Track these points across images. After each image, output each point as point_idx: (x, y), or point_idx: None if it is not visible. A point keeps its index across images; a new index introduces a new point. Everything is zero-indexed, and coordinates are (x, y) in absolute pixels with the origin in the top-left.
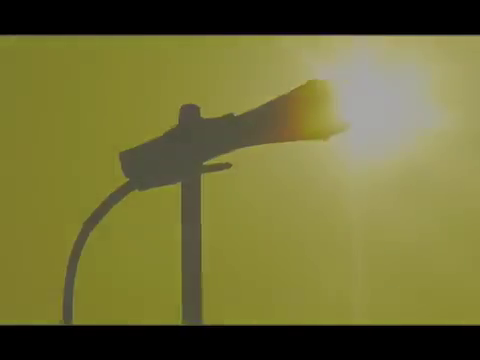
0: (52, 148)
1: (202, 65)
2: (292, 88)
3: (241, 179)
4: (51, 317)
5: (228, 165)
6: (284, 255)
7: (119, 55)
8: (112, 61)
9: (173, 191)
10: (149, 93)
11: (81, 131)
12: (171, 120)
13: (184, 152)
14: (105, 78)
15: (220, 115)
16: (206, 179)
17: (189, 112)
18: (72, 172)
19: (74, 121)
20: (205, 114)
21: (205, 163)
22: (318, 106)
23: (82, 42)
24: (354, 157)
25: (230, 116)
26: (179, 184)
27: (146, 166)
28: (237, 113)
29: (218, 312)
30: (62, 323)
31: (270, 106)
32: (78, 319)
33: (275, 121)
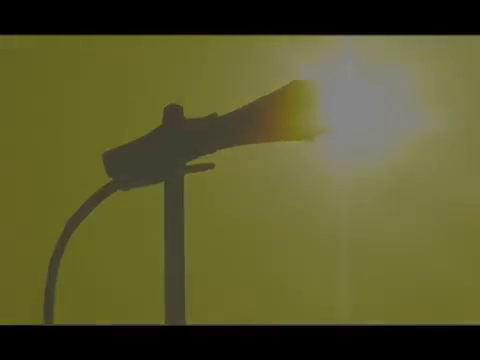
0: (35, 148)
1: (186, 66)
2: (276, 89)
3: (224, 179)
4: (33, 317)
5: (211, 165)
6: (268, 255)
7: (102, 56)
8: (95, 62)
9: (156, 191)
10: (133, 93)
11: (64, 131)
12: (155, 120)
13: (167, 152)
14: (88, 79)
15: (204, 115)
16: (189, 179)
17: (172, 112)
18: (55, 172)
19: (57, 121)
20: (188, 114)
21: (188, 163)
22: (303, 107)
23: (65, 43)
24: (341, 158)
25: (214, 116)
26: (162, 184)
27: (129, 166)
28: (221, 113)
29: (202, 312)
30: (44, 323)
31: (254, 106)
32: (60, 319)
33: (259, 122)
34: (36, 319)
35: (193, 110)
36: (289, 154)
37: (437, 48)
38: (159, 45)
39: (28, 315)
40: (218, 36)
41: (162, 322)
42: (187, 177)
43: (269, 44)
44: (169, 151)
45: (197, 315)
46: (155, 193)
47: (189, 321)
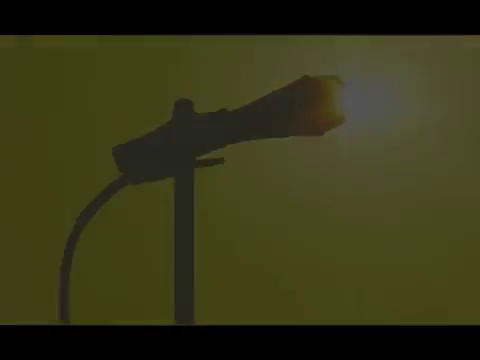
0: (46, 144)
1: (197, 62)
2: (286, 84)
3: (235, 174)
4: (45, 316)
5: (221, 160)
6: (277, 253)
7: (115, 53)
8: (108, 59)
9: (166, 187)
10: (144, 89)
11: (75, 126)
12: (165, 115)
13: (178, 147)
14: (100, 75)
15: (214, 110)
16: (199, 173)
17: (183, 107)
18: (66, 167)
19: (68, 116)
20: (199, 109)
21: (198, 158)
22: (312, 101)
23: (78, 41)
24: (350, 154)
25: (224, 111)
26: (172, 178)
27: (140, 160)
28: (230, 109)
29: (210, 312)
30: (59, 322)
31: (264, 101)
32: (70, 317)
33: (269, 116)
34: (50, 319)
35: (204, 105)
36: (301, 150)
37: (437, 48)
38: (171, 43)
39: (41, 314)
40: (229, 36)
41: (171, 321)
42: (197, 171)
43: (280, 43)
44: (179, 145)
45: (205, 315)
46: (165, 187)
47: (198, 321)
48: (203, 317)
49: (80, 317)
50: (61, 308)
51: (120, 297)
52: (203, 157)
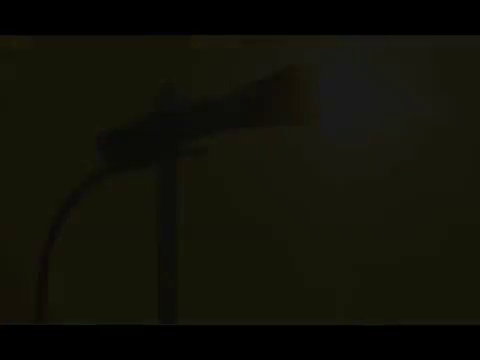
0: (30, 134)
1: (181, 54)
2: (272, 73)
3: (220, 165)
4: (22, 316)
5: (205, 150)
6: (265, 250)
7: (108, 49)
8: (98, 52)
9: (150, 177)
10: (128, 81)
11: (57, 115)
12: (149, 106)
13: (161, 137)
14: (79, 66)
15: (198, 100)
16: (183, 163)
17: (167, 98)
18: (47, 158)
19: (53, 105)
20: (183, 99)
21: (182, 148)
22: (298, 91)
23: (71, 40)
24: (348, 152)
25: (206, 101)
26: (156, 169)
27: (123, 150)
28: (216, 98)
29: (194, 311)
30: (36, 322)
31: (247, 90)
32: (51, 316)
33: (255, 105)
34: (27, 319)
35: (188, 95)
36: (287, 139)
37: (437, 46)
38: (155, 40)
39: (17, 314)
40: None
41: (154, 320)
42: (180, 162)
43: (268, 43)
44: (163, 135)
45: (189, 313)
46: (149, 177)
47: (181, 320)
48: (186, 316)
49: (59, 316)
50: (39, 308)
51: (103, 294)
52: (187, 147)
